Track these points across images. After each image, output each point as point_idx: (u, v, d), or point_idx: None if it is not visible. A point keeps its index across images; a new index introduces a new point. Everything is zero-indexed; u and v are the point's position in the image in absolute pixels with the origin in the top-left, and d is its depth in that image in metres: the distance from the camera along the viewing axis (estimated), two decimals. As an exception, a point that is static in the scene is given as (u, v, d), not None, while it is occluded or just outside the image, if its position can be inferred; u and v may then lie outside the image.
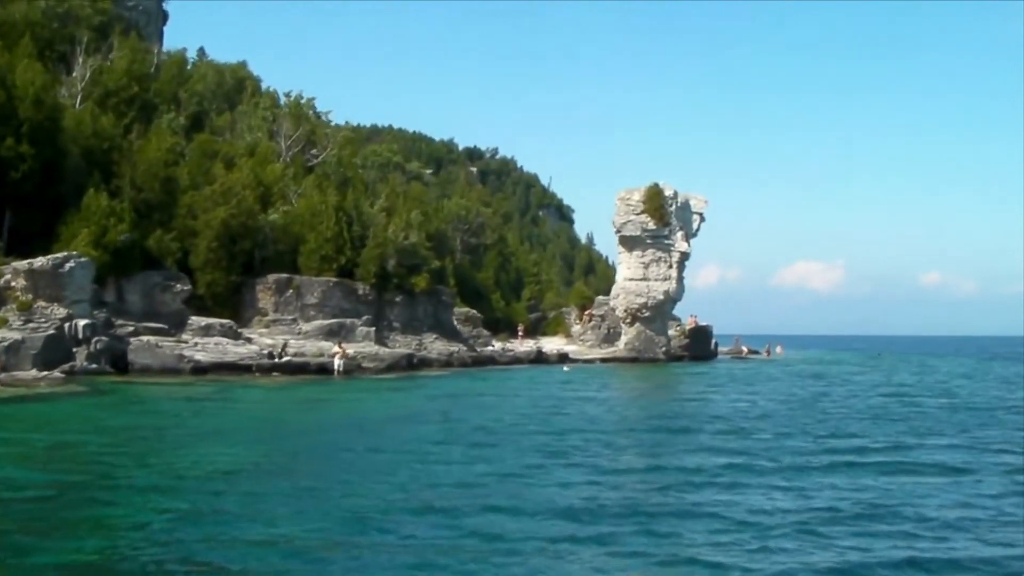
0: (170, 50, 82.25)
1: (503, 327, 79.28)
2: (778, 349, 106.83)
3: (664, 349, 75.35)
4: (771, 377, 59.11)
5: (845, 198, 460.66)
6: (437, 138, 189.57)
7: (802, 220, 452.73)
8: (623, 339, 75.39)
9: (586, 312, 79.75)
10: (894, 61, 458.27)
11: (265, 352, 50.53)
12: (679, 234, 74.14)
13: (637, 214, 72.84)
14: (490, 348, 67.86)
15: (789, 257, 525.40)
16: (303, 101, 74.45)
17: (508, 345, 73.73)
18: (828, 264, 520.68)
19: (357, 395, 38.83)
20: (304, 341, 55.50)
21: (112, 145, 53.79)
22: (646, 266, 73.69)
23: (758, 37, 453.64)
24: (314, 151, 72.94)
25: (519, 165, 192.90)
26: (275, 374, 48.19)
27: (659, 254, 73.92)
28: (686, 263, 75.66)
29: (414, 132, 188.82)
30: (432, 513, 14.91)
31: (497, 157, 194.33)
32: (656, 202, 72.75)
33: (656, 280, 73.72)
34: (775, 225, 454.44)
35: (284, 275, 57.36)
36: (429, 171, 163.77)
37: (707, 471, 19.85)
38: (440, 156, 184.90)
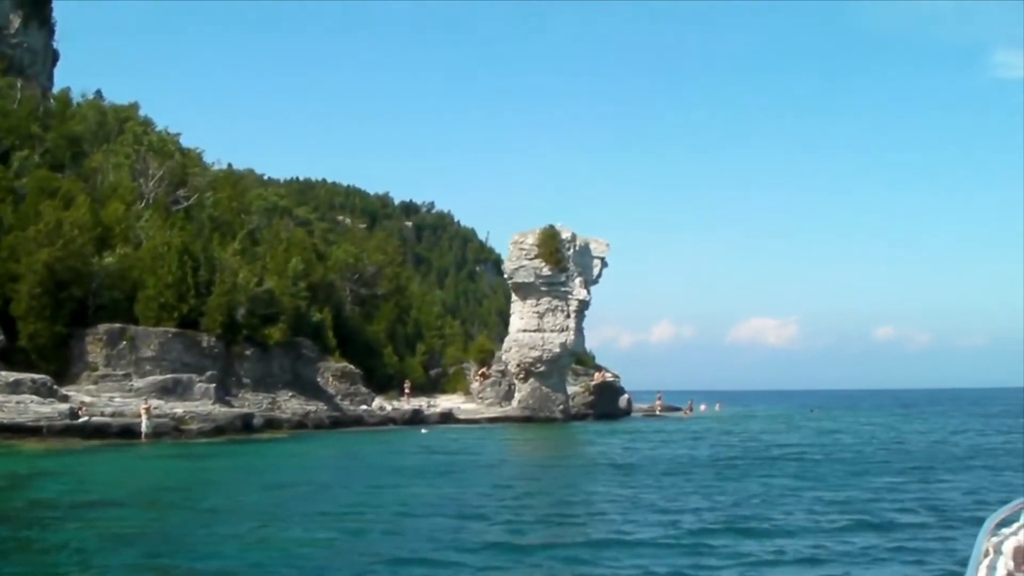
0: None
1: (396, 384, 72.91)
2: (702, 407, 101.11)
3: (562, 407, 68.88)
4: (638, 436, 53.44)
5: (797, 253, 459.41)
6: (372, 192, 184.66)
7: (755, 276, 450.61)
8: (516, 396, 68.98)
9: (482, 369, 73.39)
10: (847, 110, 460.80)
11: (67, 411, 43.87)
12: (577, 280, 68.17)
13: (531, 259, 66.88)
14: (363, 408, 61.34)
15: (744, 313, 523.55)
16: (167, 136, 68.75)
17: (394, 404, 67.29)
18: (782, 320, 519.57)
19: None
20: (132, 399, 48.96)
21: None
22: (541, 316, 67.57)
23: (712, 88, 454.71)
24: (181, 192, 67.12)
25: (456, 219, 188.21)
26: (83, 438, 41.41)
27: (555, 302, 67.83)
28: (585, 312, 69.63)
29: (348, 186, 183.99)
30: None
31: (433, 211, 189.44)
32: (551, 245, 66.81)
33: (552, 331, 67.52)
34: (729, 281, 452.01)
35: (117, 325, 51.01)
36: (363, 224, 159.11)
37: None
38: (375, 210, 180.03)
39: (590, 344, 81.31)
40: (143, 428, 42.92)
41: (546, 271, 66.94)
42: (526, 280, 67.27)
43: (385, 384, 72.31)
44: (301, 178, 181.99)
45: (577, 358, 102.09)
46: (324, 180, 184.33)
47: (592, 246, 70.29)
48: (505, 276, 69.32)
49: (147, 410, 43.45)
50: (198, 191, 67.78)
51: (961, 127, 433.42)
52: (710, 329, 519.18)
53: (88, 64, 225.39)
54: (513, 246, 68.52)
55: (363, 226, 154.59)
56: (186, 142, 76.31)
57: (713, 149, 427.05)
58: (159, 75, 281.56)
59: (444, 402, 73.03)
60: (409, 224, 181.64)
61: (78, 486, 25.95)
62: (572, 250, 68.34)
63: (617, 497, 24.28)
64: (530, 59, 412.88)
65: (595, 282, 70.61)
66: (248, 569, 15.13)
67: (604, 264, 70.71)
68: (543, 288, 67.45)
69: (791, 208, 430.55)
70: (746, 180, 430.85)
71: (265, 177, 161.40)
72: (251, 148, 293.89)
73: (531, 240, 67.60)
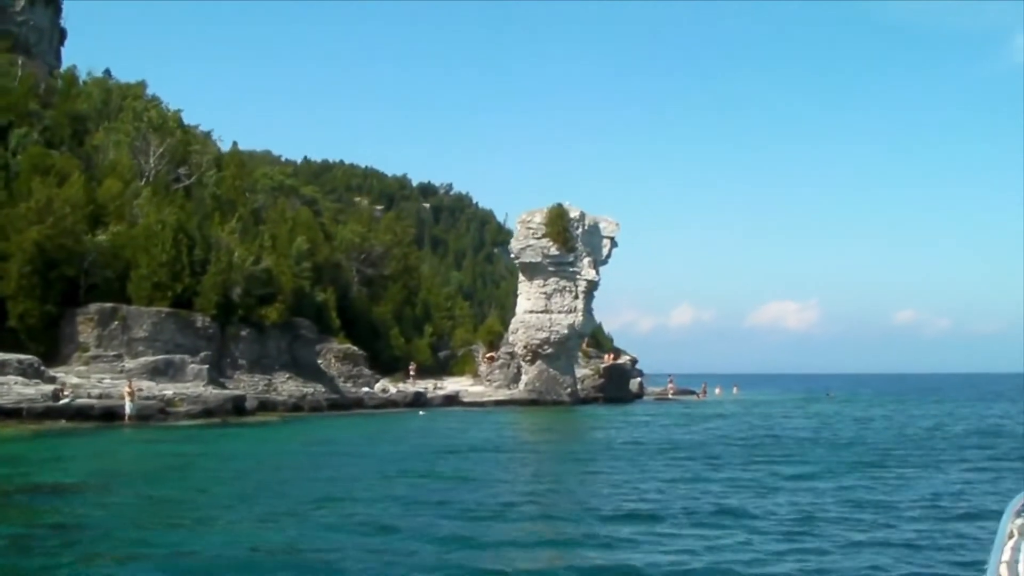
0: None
1: (402, 366, 71.42)
2: (717, 391, 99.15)
3: (569, 390, 66.98)
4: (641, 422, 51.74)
5: (818, 236, 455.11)
6: (390, 174, 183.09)
7: (776, 259, 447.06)
8: (523, 379, 67.15)
9: (489, 352, 71.66)
10: (868, 100, 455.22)
11: (51, 393, 42.54)
12: (586, 260, 66.16)
13: (538, 238, 64.90)
14: (364, 390, 59.83)
15: (763, 297, 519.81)
16: (168, 113, 67.27)
17: (400, 386, 65.78)
18: (803, 303, 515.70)
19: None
20: (122, 381, 47.53)
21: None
22: (548, 297, 65.63)
23: (731, 65, 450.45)
24: (183, 170, 65.77)
25: (474, 201, 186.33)
26: (63, 420, 40.06)
27: (563, 283, 65.88)
28: (594, 293, 67.67)
29: (366, 167, 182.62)
30: None
31: (452, 193, 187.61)
32: (559, 225, 64.79)
33: (559, 312, 65.58)
34: (749, 264, 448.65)
35: (108, 305, 49.67)
36: (380, 206, 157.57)
37: None
38: (392, 192, 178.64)
39: (609, 328, 79.73)
40: (126, 410, 41.47)
41: (554, 251, 65.00)
42: (533, 260, 65.41)
43: (391, 366, 70.87)
44: (319, 160, 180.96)
45: (595, 341, 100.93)
46: (342, 162, 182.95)
47: (601, 225, 68.25)
48: (512, 256, 67.56)
49: (131, 392, 42.03)
50: (200, 169, 66.41)
51: (982, 112, 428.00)
52: (730, 313, 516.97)
53: (101, 44, 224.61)
54: (520, 225, 66.67)
55: (380, 208, 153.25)
56: (203, 124, 75.09)
57: (736, 135, 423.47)
58: (176, 58, 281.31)
59: (451, 384, 71.50)
60: (427, 206, 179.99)
61: (31, 470, 24.49)
62: (581, 229, 66.34)
63: (551, 491, 22.53)
64: (550, 40, 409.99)
65: (604, 262, 68.58)
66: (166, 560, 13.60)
67: (614, 244, 68.66)
68: (551, 268, 65.55)
69: (812, 192, 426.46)
70: (768, 164, 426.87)
71: (283, 159, 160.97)
72: (269, 130, 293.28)
73: (539, 219, 65.68)
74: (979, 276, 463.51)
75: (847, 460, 29.76)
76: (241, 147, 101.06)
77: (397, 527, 16.76)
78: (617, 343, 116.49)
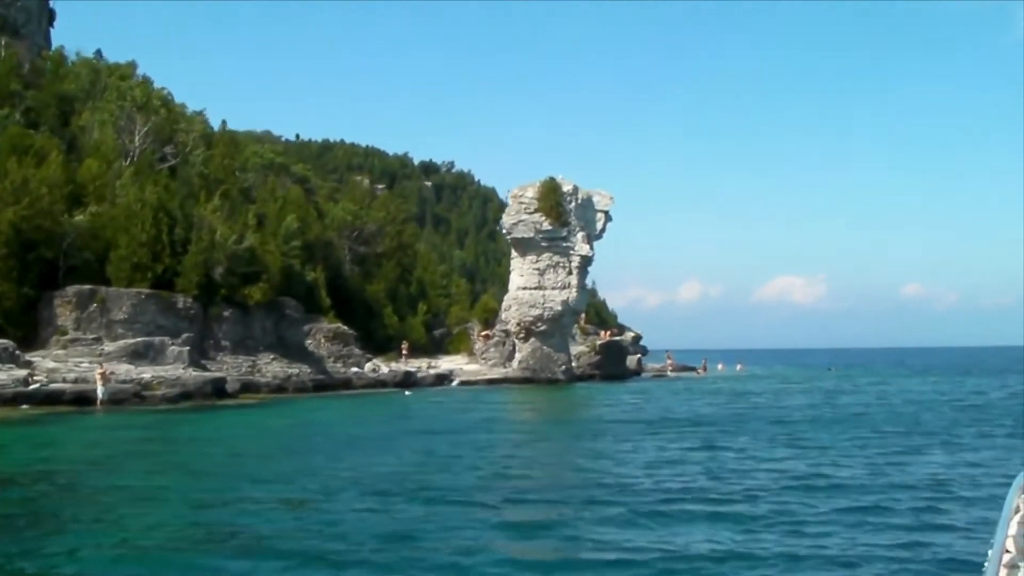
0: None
1: (396, 345, 70.25)
2: (720, 367, 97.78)
3: (564, 368, 65.67)
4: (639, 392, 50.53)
5: (826, 212, 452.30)
6: (391, 152, 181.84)
7: (783, 234, 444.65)
8: (517, 357, 65.84)
9: (485, 330, 70.36)
10: (875, 74, 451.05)
11: (23, 378, 41.46)
12: (579, 235, 64.67)
13: (530, 213, 63.41)
14: (354, 370, 58.68)
15: (770, 272, 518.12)
16: (152, 90, 66.00)
17: (392, 366, 64.62)
18: (810, 278, 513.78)
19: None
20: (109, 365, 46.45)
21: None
22: (541, 273, 64.22)
23: (737, 44, 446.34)
24: (168, 148, 64.59)
25: (476, 179, 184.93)
26: (25, 406, 38.85)
27: (556, 258, 64.44)
28: (588, 268, 66.28)
29: (367, 147, 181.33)
30: None
31: (453, 171, 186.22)
32: (552, 199, 63.29)
33: (553, 288, 64.20)
34: (756, 240, 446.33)
35: (87, 287, 48.59)
36: (382, 185, 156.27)
37: None
38: (394, 170, 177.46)
39: (616, 304, 78.21)
40: (98, 395, 40.34)
41: (546, 225, 63.53)
42: (526, 235, 63.97)
43: (384, 345, 69.73)
44: (319, 140, 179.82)
45: (599, 317, 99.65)
46: (343, 141, 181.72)
47: (595, 199, 66.68)
48: (504, 231, 66.10)
49: (103, 375, 40.89)
50: (186, 147, 65.23)
51: (991, 86, 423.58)
52: (738, 288, 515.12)
53: (95, 26, 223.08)
54: (512, 200, 65.26)
55: (381, 187, 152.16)
56: (199, 104, 73.84)
57: (743, 114, 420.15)
58: (183, 41, 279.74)
59: (446, 363, 70.31)
60: (428, 184, 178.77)
61: None
62: (574, 203, 64.85)
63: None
64: (554, 15, 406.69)
65: (599, 237, 67.07)
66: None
67: (608, 218, 67.12)
68: (543, 244, 64.11)
69: (818, 167, 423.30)
70: (776, 139, 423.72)
71: (283, 139, 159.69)
72: (270, 112, 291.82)
73: (531, 193, 64.19)
74: (987, 250, 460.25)
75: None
76: (243, 129, 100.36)
77: (321, 507, 15.64)
78: (623, 319, 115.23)
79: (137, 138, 62.64)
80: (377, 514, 15.61)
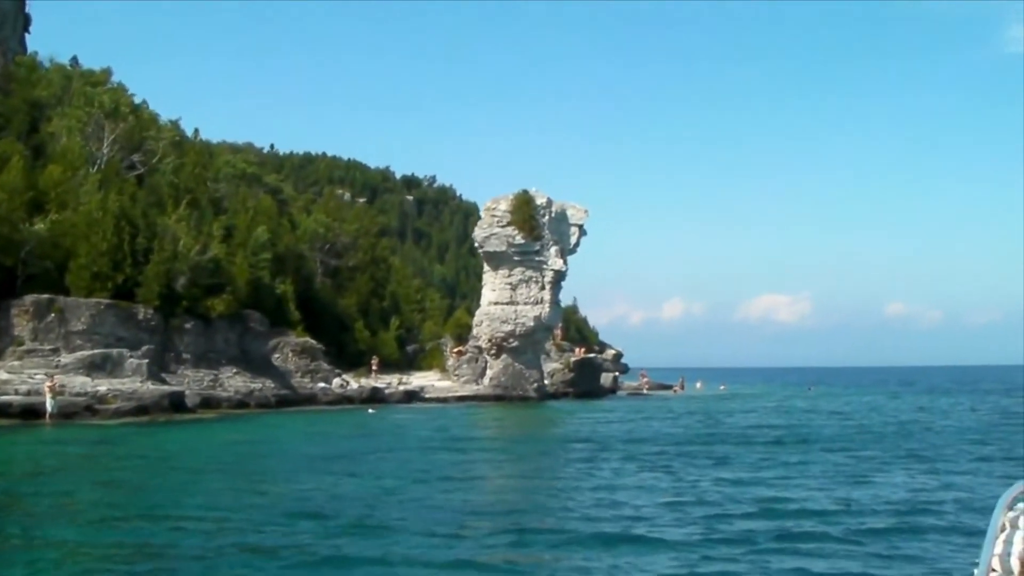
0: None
1: (367, 360, 69.09)
2: (698, 385, 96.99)
3: (536, 385, 64.50)
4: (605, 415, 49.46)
5: (809, 229, 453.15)
6: (373, 166, 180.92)
7: (767, 252, 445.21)
8: (488, 374, 64.68)
9: (457, 345, 69.26)
10: (858, 87, 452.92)
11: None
12: (553, 250, 63.63)
13: (503, 226, 62.39)
14: (320, 386, 57.50)
15: (755, 289, 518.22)
16: (121, 96, 64.92)
17: (362, 381, 63.42)
18: (794, 296, 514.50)
19: None
20: (59, 376, 45.21)
21: None
22: (514, 287, 63.13)
23: (719, 56, 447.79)
24: (137, 156, 63.49)
25: (458, 193, 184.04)
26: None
27: (529, 273, 63.37)
28: (561, 283, 65.22)
29: (349, 160, 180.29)
30: None
31: (435, 185, 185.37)
32: (525, 212, 62.29)
33: (525, 304, 63.09)
34: (741, 257, 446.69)
35: (44, 296, 47.40)
36: (363, 199, 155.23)
37: None
38: (375, 184, 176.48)
39: (599, 321, 77.33)
40: (48, 407, 39.13)
41: (519, 239, 62.45)
42: (498, 249, 62.89)
43: (356, 360, 68.59)
44: (301, 152, 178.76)
45: (580, 334, 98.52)
46: (324, 154, 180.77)
47: (569, 212, 65.69)
48: (476, 244, 65.08)
49: (51, 387, 39.67)
50: (155, 155, 64.13)
51: (973, 103, 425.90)
52: (721, 306, 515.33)
53: (73, 33, 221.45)
54: (485, 212, 64.30)
55: (362, 200, 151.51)
56: (182, 115, 72.79)
57: (726, 127, 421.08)
58: (169, 50, 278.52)
59: (418, 379, 69.17)
60: (410, 198, 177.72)
61: None
62: (548, 217, 63.86)
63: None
64: (536, 28, 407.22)
65: (572, 251, 66.04)
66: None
67: (582, 232, 66.15)
68: (516, 257, 63.00)
69: (802, 184, 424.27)
70: (757, 157, 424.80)
71: (264, 151, 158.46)
72: (251, 123, 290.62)
73: (504, 206, 63.18)
74: (971, 267, 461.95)
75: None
76: (227, 140, 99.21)
77: (245, 530, 14.62)
78: (607, 337, 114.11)
79: (105, 145, 61.58)
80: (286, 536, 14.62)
